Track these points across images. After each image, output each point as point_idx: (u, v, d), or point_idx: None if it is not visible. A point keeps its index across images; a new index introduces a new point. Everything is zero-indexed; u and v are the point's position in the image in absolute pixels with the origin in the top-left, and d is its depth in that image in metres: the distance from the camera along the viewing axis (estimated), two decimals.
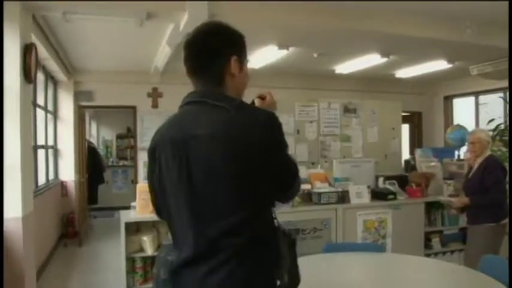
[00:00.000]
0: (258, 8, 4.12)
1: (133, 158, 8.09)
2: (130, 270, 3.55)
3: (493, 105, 7.62)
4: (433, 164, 4.87)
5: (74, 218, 6.66)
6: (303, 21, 4.42)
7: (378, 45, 5.65)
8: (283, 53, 5.72)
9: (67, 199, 6.84)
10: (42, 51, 4.79)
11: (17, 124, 3.38)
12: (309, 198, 4.02)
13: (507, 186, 3.58)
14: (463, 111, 8.53)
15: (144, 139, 7.32)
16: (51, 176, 6.45)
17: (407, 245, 4.01)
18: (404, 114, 7.94)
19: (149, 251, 3.50)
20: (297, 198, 3.81)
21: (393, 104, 7.11)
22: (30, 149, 4.09)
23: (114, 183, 9.76)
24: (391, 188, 4.29)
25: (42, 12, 4.04)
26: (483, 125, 7.06)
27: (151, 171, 1.41)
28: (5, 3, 3.19)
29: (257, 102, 1.52)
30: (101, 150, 10.36)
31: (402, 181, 4.53)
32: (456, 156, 5.94)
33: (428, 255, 4.21)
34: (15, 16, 3.39)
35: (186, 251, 1.29)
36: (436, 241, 4.45)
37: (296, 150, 6.33)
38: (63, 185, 6.88)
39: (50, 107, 6.56)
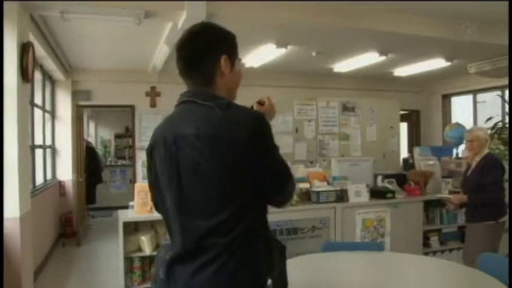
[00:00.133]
0: (256, 7, 4.11)
1: (132, 158, 8.08)
2: (129, 270, 3.54)
3: (491, 104, 7.64)
4: (431, 162, 4.87)
5: (72, 217, 6.65)
6: (301, 20, 4.41)
7: (377, 43, 5.65)
8: (282, 51, 5.72)
9: (65, 199, 6.83)
10: (40, 50, 4.78)
11: (14, 124, 3.36)
12: (307, 197, 4.01)
13: (505, 185, 3.58)
14: (461, 110, 8.55)
15: (143, 138, 7.31)
16: (49, 176, 6.44)
17: (406, 244, 4.01)
18: (402, 112, 7.95)
19: (147, 250, 3.49)
20: (295, 197, 3.81)
21: (391, 103, 7.12)
22: (28, 148, 4.07)
23: (112, 182, 9.74)
24: (389, 186, 4.28)
25: (39, 11, 4.03)
26: (481, 123, 7.08)
27: (149, 170, 1.45)
28: (3, 3, 3.17)
29: (256, 108, 1.53)
30: (99, 150, 10.36)
31: (401, 180, 4.52)
32: (454, 155, 5.94)
33: (426, 254, 4.20)
34: (13, 15, 3.37)
35: (177, 247, 1.33)
36: (434, 239, 4.45)
37: (295, 148, 6.33)
38: (61, 185, 6.86)
39: (48, 107, 6.54)
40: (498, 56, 5.93)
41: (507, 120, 6.46)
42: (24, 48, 3.54)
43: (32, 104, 5.25)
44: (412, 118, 9.27)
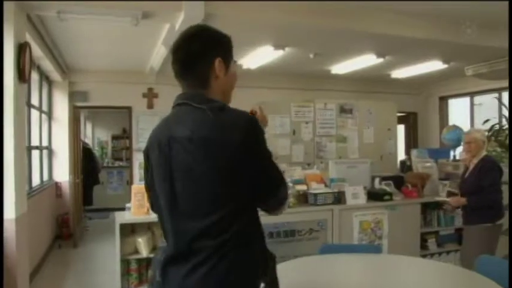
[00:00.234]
0: (254, 8, 4.11)
1: (129, 159, 8.04)
2: (125, 272, 3.52)
3: (488, 106, 7.66)
4: (428, 164, 4.87)
5: (69, 219, 6.63)
6: (299, 22, 4.42)
7: (374, 45, 5.66)
8: (279, 53, 5.72)
9: (62, 200, 6.80)
10: (37, 51, 4.76)
11: (11, 124, 3.35)
12: (304, 199, 4.00)
13: (503, 187, 3.59)
14: (458, 112, 8.57)
15: (140, 140, 7.30)
16: (45, 177, 6.41)
17: (403, 246, 4.01)
18: (399, 114, 7.96)
19: (144, 252, 3.47)
20: (292, 199, 3.80)
21: (389, 105, 7.12)
22: (24, 149, 4.05)
23: (109, 184, 9.72)
24: (387, 188, 4.28)
25: (36, 11, 4.01)
26: (478, 126, 7.09)
27: (146, 171, 1.47)
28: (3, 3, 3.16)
29: None
30: (96, 151, 10.32)
31: (398, 182, 4.52)
32: (452, 157, 5.96)
33: (424, 256, 4.21)
34: (10, 15, 3.36)
35: (170, 249, 1.34)
36: (432, 242, 4.44)
37: (292, 150, 6.33)
38: (57, 186, 6.83)
39: (45, 107, 6.52)
40: (495, 59, 5.95)
41: (504, 122, 6.48)
42: (21, 49, 3.53)
43: (29, 105, 5.23)
44: (410, 120, 9.29)
